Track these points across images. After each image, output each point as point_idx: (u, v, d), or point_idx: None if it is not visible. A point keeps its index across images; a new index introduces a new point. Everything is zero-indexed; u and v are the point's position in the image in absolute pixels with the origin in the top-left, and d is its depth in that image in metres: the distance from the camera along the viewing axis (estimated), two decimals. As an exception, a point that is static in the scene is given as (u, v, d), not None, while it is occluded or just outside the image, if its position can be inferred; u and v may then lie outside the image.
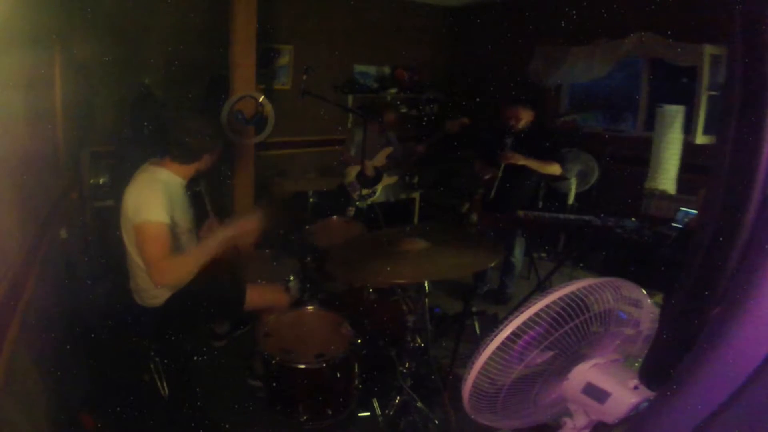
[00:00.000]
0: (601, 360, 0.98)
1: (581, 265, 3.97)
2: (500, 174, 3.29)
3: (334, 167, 4.08)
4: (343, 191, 4.03)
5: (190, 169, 2.13)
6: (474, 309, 3.09)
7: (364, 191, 3.82)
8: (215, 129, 2.23)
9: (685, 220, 3.04)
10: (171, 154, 2.07)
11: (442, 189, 5.44)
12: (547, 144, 3.41)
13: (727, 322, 0.57)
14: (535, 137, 3.38)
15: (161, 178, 2.03)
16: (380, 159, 4.01)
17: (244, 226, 2.10)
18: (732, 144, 0.59)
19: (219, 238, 2.04)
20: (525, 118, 3.35)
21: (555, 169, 3.36)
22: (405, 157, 4.33)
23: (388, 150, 4.07)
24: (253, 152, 3.71)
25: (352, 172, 3.94)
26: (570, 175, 4.25)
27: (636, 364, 1.01)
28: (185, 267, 1.96)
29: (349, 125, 4.98)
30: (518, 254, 3.58)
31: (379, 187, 4.04)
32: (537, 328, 0.89)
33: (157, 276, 1.91)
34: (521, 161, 3.24)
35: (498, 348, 0.91)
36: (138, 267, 2.04)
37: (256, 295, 2.26)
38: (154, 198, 1.93)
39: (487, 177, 3.44)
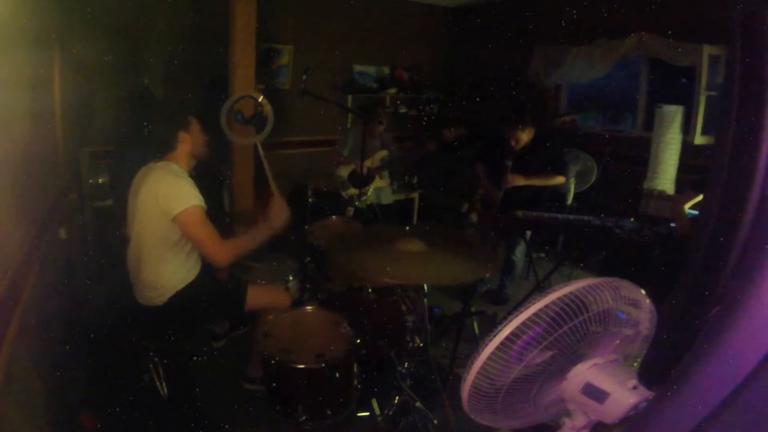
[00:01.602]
0: (600, 360, 0.98)
1: (581, 265, 3.97)
2: (501, 195, 3.30)
3: (332, 168, 4.08)
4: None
5: (185, 152, 2.14)
6: (473, 309, 3.09)
7: (353, 191, 3.82)
8: (172, 109, 2.26)
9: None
10: (159, 150, 2.13)
11: (441, 189, 5.44)
12: (550, 157, 3.40)
13: (725, 321, 0.57)
14: (537, 153, 3.37)
15: (176, 169, 2.07)
16: (375, 161, 4.01)
17: (280, 217, 2.22)
18: (731, 144, 0.59)
19: (263, 230, 2.17)
20: (525, 138, 3.34)
21: (559, 180, 3.39)
22: (401, 160, 4.34)
23: (383, 153, 4.08)
24: (253, 152, 3.71)
25: (344, 171, 3.94)
26: (569, 175, 4.25)
27: (635, 364, 1.01)
28: (239, 248, 2.10)
29: (349, 125, 4.98)
30: (519, 254, 3.59)
31: (370, 189, 4.04)
32: (536, 328, 0.89)
33: (216, 252, 2.03)
34: (522, 182, 3.26)
35: (497, 348, 0.91)
36: (148, 264, 2.05)
37: (257, 295, 2.26)
38: (188, 185, 2.01)
39: (488, 198, 3.44)
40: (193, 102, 4.00)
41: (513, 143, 3.34)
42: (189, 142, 2.14)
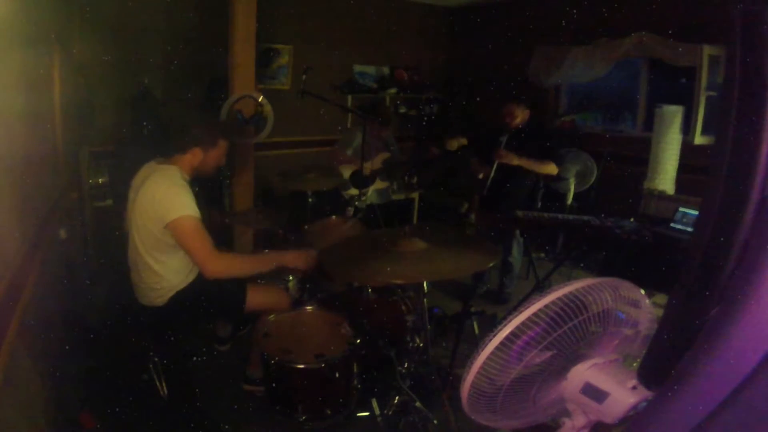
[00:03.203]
0: (600, 360, 0.98)
1: (581, 265, 3.97)
2: (493, 172, 3.28)
3: (334, 167, 4.08)
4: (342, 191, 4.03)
5: (190, 162, 2.14)
6: (473, 309, 3.09)
7: (354, 191, 3.82)
8: (211, 123, 2.28)
9: (684, 220, 3.05)
10: (174, 145, 2.13)
11: (441, 189, 5.44)
12: (544, 143, 3.40)
13: (725, 322, 0.57)
14: (531, 136, 3.37)
15: (176, 175, 2.06)
16: (377, 162, 4.01)
17: (300, 257, 2.19)
18: (730, 144, 0.59)
19: (274, 257, 2.17)
20: (520, 115, 3.34)
21: (551, 168, 3.34)
22: (402, 163, 4.35)
23: (386, 155, 4.07)
24: (253, 152, 3.71)
25: (346, 171, 3.94)
26: (569, 175, 4.26)
27: (634, 364, 1.01)
28: (236, 265, 2.10)
29: (349, 125, 4.98)
30: (516, 254, 3.59)
31: (370, 190, 4.04)
32: (536, 328, 0.89)
33: (208, 264, 2.00)
34: (515, 161, 3.23)
35: (497, 348, 0.91)
36: (147, 266, 2.05)
37: (257, 296, 2.26)
38: (184, 194, 1.99)
39: (480, 176, 3.44)
40: (194, 102, 4.01)
41: (507, 119, 3.34)
42: (199, 159, 2.15)
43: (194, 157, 2.13)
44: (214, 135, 2.19)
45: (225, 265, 2.04)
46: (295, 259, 2.19)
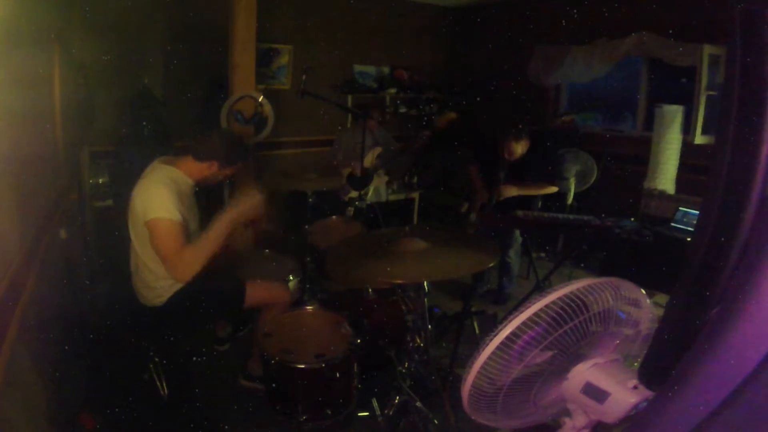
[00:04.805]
0: (601, 360, 0.98)
1: (581, 265, 3.97)
2: (494, 203, 3.34)
3: (334, 167, 4.08)
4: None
5: (201, 170, 2.13)
6: (473, 309, 3.09)
7: (354, 193, 3.82)
8: (240, 144, 2.28)
9: (684, 220, 3.05)
10: (192, 148, 2.11)
11: (441, 189, 5.45)
12: (544, 167, 3.45)
13: (725, 321, 0.57)
14: (530, 162, 3.40)
15: (171, 177, 2.05)
16: (369, 159, 4.00)
17: (245, 203, 2.11)
18: (731, 144, 0.59)
19: (223, 219, 2.04)
20: (519, 150, 3.36)
21: (551, 190, 3.45)
22: (398, 154, 4.33)
23: (378, 150, 4.07)
24: (253, 152, 3.70)
25: (343, 175, 3.95)
26: (569, 175, 4.25)
27: (635, 363, 1.02)
28: (197, 256, 1.96)
29: (349, 125, 4.98)
30: (513, 254, 3.59)
31: (370, 188, 4.03)
32: (536, 328, 0.89)
33: (173, 270, 1.94)
34: (514, 192, 3.32)
35: (497, 348, 0.91)
36: (144, 264, 2.05)
37: (256, 292, 2.26)
38: (164, 195, 1.95)
39: (481, 204, 3.47)
40: (194, 102, 4.01)
41: (506, 155, 3.36)
42: (212, 171, 2.14)
43: (209, 168, 2.13)
44: (237, 157, 2.19)
45: (190, 262, 1.95)
46: (243, 209, 2.10)
